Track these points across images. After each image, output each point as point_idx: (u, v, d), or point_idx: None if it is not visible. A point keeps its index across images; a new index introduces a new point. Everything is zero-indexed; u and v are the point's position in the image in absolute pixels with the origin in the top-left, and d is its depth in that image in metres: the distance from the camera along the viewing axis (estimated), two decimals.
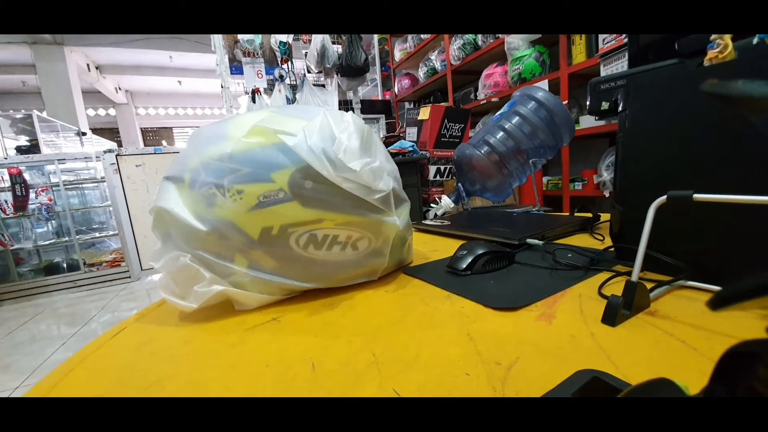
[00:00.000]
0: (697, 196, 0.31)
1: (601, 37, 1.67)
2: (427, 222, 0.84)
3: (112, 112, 7.75)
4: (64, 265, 3.19)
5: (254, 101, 2.66)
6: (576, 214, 0.74)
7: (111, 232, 3.25)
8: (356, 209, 0.42)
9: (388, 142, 1.55)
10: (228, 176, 0.39)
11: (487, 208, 1.10)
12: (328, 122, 0.42)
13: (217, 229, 0.39)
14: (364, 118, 0.81)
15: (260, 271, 0.41)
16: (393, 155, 1.32)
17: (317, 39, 2.77)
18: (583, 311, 0.34)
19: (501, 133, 0.92)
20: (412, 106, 3.63)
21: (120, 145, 7.13)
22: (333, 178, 0.39)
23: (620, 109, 0.44)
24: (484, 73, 2.43)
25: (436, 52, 3.05)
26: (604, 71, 1.59)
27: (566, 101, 1.87)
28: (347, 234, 0.42)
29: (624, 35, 1.48)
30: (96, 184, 3.30)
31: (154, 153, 3.28)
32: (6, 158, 2.99)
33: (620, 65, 1.54)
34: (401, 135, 1.65)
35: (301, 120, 0.42)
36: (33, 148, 3.75)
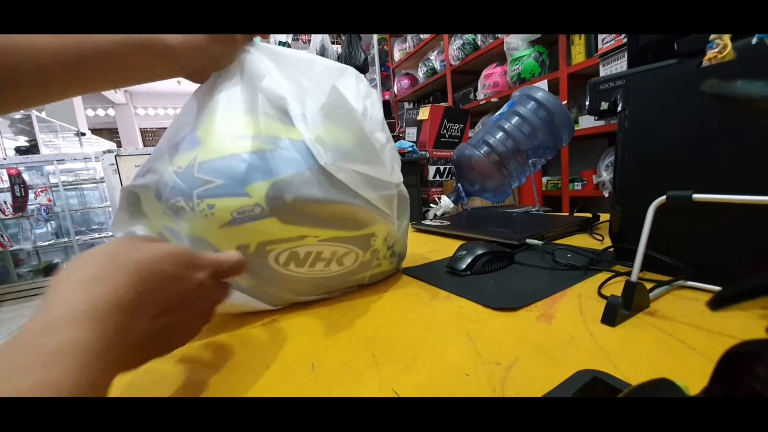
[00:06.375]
0: (696, 196, 0.31)
1: (600, 37, 1.67)
2: (427, 222, 0.84)
3: (111, 112, 7.74)
4: (64, 266, 3.18)
5: None
6: (575, 215, 0.74)
7: (110, 233, 3.25)
8: (340, 223, 0.38)
9: None
10: (197, 188, 0.34)
11: (486, 208, 1.10)
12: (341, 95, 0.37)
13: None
14: None
15: (237, 289, 0.38)
16: None
17: (317, 39, 2.77)
18: (582, 311, 0.34)
19: (500, 134, 0.92)
20: (411, 106, 3.63)
21: (119, 145, 7.10)
22: (364, 136, 0.37)
23: (620, 109, 0.44)
24: (484, 73, 2.43)
25: (436, 52, 3.04)
26: (604, 71, 1.59)
27: (565, 101, 1.87)
28: (332, 250, 0.39)
29: (624, 35, 1.48)
30: (95, 185, 3.30)
31: None
32: (5, 159, 2.99)
33: (620, 65, 1.54)
34: (401, 135, 1.64)
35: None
36: (32, 148, 3.74)
